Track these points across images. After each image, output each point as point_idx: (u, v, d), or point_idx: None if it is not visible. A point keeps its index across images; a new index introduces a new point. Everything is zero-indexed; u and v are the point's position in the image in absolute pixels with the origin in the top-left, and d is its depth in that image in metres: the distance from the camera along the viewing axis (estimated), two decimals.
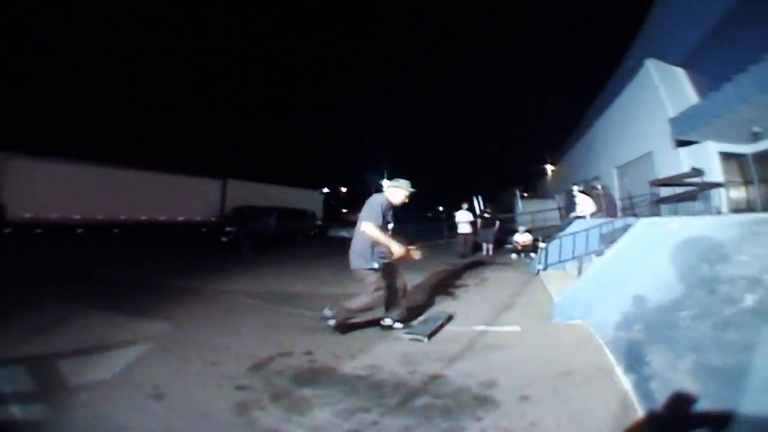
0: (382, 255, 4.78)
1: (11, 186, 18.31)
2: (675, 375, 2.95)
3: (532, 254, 11.58)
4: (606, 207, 11.75)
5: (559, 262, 9.10)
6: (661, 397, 2.78)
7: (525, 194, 27.14)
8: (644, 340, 3.66)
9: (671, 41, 14.19)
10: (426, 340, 4.56)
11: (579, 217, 10.80)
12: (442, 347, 4.29)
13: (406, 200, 5.02)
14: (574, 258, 8.74)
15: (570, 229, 9.80)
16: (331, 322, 4.72)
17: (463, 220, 14.06)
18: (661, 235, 5.18)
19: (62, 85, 42.76)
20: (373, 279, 4.72)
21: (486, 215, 14.94)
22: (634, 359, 3.44)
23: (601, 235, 9.08)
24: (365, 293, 4.74)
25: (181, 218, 23.97)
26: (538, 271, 8.97)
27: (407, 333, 4.75)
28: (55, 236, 18.92)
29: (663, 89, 13.79)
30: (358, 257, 4.78)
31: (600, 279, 5.17)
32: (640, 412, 2.72)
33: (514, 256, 13.05)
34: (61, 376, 3.46)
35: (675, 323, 3.57)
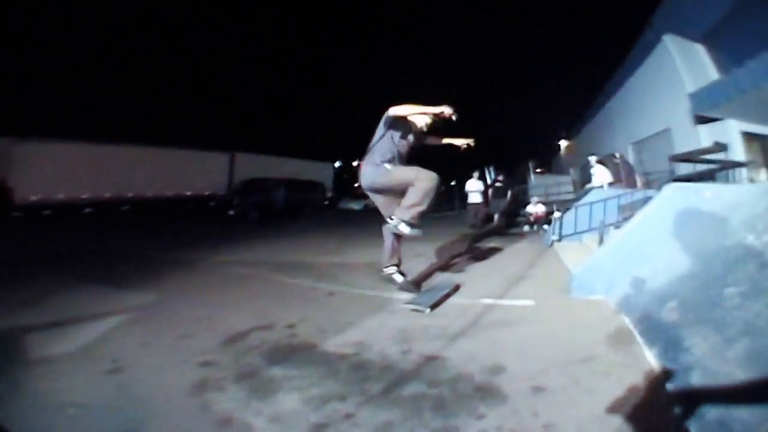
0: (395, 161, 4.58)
1: (18, 170, 18.48)
2: (722, 365, 2.35)
3: (546, 226, 10.95)
4: (625, 177, 11.01)
5: (575, 233, 8.47)
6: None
7: (538, 169, 26.23)
8: (681, 321, 3.05)
9: (690, 17, 13.79)
10: (428, 311, 4.05)
11: (596, 188, 10.14)
12: (444, 322, 3.75)
13: (429, 123, 4.72)
14: (590, 230, 8.15)
15: (586, 200, 9.13)
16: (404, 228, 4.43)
17: (473, 189, 13.42)
18: (694, 201, 4.52)
19: (65, 63, 42.14)
20: (408, 171, 4.47)
21: (498, 184, 14.21)
22: (669, 344, 2.84)
23: (619, 206, 8.50)
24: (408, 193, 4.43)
25: (188, 193, 24.11)
26: (553, 242, 8.35)
27: (408, 303, 4.24)
28: (63, 217, 19.10)
29: (682, 65, 13.28)
30: (370, 172, 4.59)
31: (625, 249, 4.53)
32: (678, 411, 2.14)
33: (526, 227, 12.42)
34: (25, 349, 3.29)
35: (719, 302, 2.96)
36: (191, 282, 5.63)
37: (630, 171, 11.74)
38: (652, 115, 15.29)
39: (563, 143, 33.36)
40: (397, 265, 4.96)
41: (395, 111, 4.35)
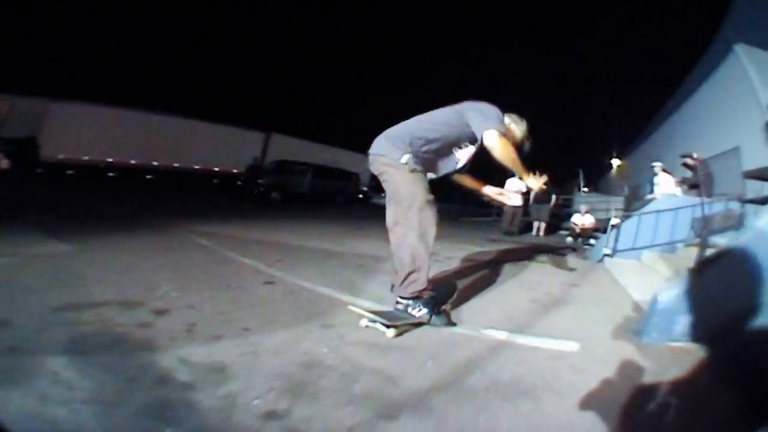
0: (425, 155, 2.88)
1: (48, 129, 18.90)
2: None
3: (592, 240, 8.75)
4: (703, 184, 8.65)
5: (633, 249, 6.32)
6: None
7: (585, 188, 23.65)
8: None
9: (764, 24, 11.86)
10: (390, 333, 2.50)
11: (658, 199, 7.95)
12: (402, 363, 2.12)
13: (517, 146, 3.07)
14: (654, 246, 6.06)
15: (652, 208, 6.94)
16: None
17: (513, 189, 11.28)
18: None
19: (109, 27, 42.51)
20: (412, 193, 2.76)
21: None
22: None
23: (693, 219, 6.34)
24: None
25: (216, 168, 23.42)
26: (604, 257, 6.24)
27: (372, 320, 2.64)
28: (84, 178, 19.46)
29: (756, 77, 11.24)
30: (387, 142, 2.91)
31: (743, 274, 2.55)
32: None
33: (569, 239, 10.23)
34: None
35: None
36: (129, 243, 4.92)
37: (709, 178, 9.29)
38: (718, 133, 12.91)
39: (614, 162, 30.33)
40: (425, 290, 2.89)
41: (493, 142, 2.78)
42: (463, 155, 3.03)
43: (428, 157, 2.89)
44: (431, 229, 2.72)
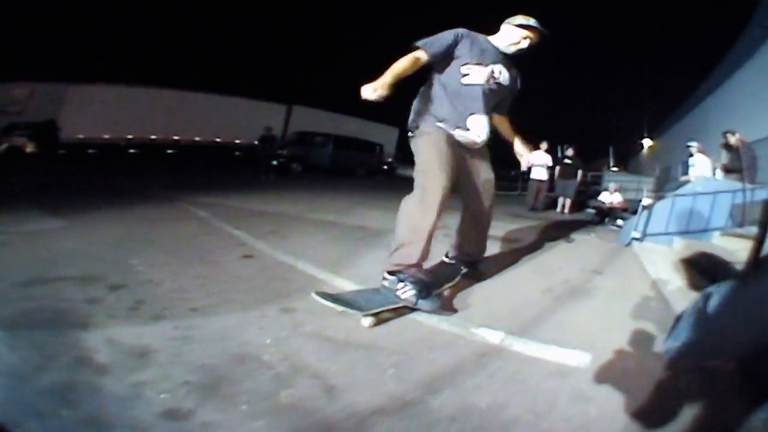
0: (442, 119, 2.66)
1: (68, 110, 19.49)
2: None
3: (620, 221, 8.01)
4: (746, 168, 7.75)
5: (665, 234, 5.63)
6: None
7: (615, 168, 22.46)
8: None
9: None
10: (367, 322, 2.10)
11: (692, 182, 7.15)
12: (359, 372, 1.66)
13: (524, 44, 2.75)
14: (689, 232, 5.38)
15: (688, 190, 6.18)
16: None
17: (538, 163, 10.53)
18: None
19: (124, 7, 42.50)
20: (422, 159, 2.57)
21: (567, 161, 11.09)
22: None
23: (733, 205, 5.58)
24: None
25: (237, 141, 23.38)
26: (632, 241, 5.58)
27: (328, 298, 2.19)
28: (105, 155, 19.73)
29: None
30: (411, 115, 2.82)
31: None
32: None
33: (596, 219, 9.44)
34: None
35: None
36: (124, 216, 4.70)
37: (753, 161, 8.29)
38: (755, 119, 11.81)
39: (646, 143, 28.67)
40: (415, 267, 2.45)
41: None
42: (474, 75, 2.66)
43: (441, 106, 2.66)
44: (436, 198, 2.34)
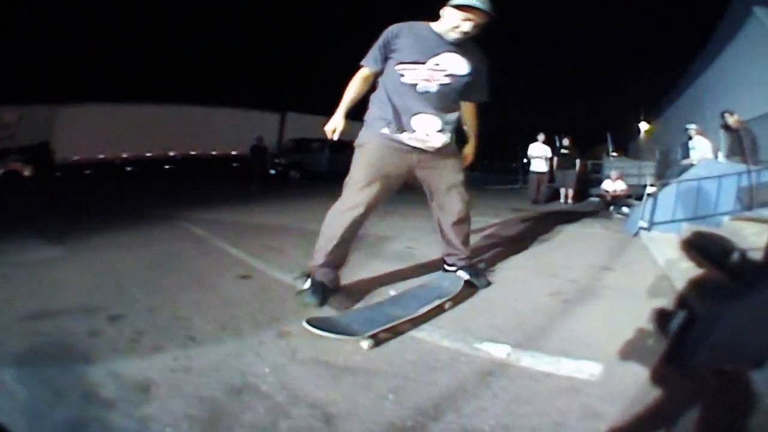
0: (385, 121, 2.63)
1: (60, 133, 19.46)
2: None
3: (625, 208, 7.90)
4: (748, 149, 7.61)
5: (672, 222, 5.53)
6: None
7: (614, 153, 22.32)
8: None
9: None
10: (365, 344, 2.02)
11: (695, 164, 7.06)
12: (358, 398, 1.59)
13: (466, 27, 2.50)
14: (697, 218, 5.28)
15: (692, 174, 6.07)
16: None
17: (537, 155, 10.50)
18: None
19: (116, 25, 42.89)
20: (354, 167, 2.71)
21: (564, 151, 10.99)
22: None
23: (739, 188, 5.49)
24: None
25: (234, 152, 23.31)
26: (639, 231, 5.47)
27: (317, 326, 2.09)
28: (103, 176, 20.14)
29: None
30: None
31: None
32: None
33: (599, 205, 9.37)
34: None
35: None
36: (121, 240, 4.71)
37: (754, 142, 8.16)
38: (749, 96, 11.62)
39: (643, 126, 28.42)
40: (330, 267, 2.68)
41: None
42: (409, 75, 2.55)
43: (384, 110, 2.62)
44: (350, 214, 2.53)
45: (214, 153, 22.83)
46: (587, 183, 12.17)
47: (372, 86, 2.70)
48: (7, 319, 2.42)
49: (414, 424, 1.42)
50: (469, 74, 2.63)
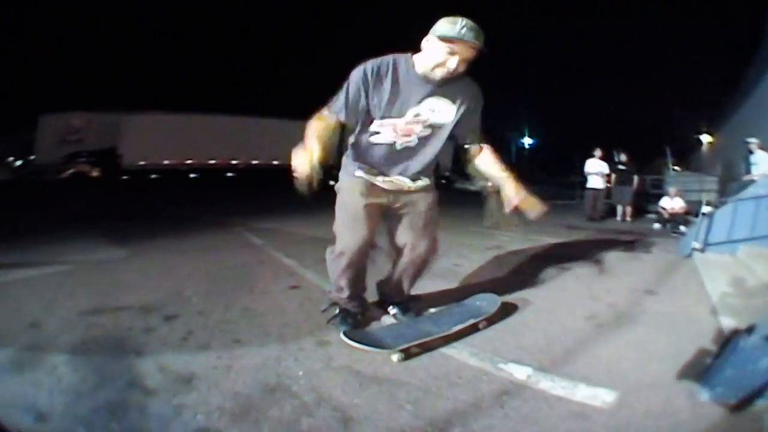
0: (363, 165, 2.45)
1: (127, 139, 20.82)
2: None
3: (683, 227, 7.53)
4: None
5: (729, 242, 5.21)
6: None
7: (676, 168, 21.00)
8: None
9: None
10: (395, 357, 2.14)
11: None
12: (378, 406, 1.72)
13: (452, 64, 2.11)
14: (755, 239, 4.89)
15: (753, 192, 5.68)
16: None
17: (593, 171, 10.19)
18: None
19: (178, 40, 45.36)
20: (336, 211, 2.58)
21: (621, 167, 10.57)
22: None
23: None
24: None
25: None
26: (692, 252, 5.22)
27: (352, 338, 2.25)
28: (168, 181, 21.08)
29: None
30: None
31: None
32: None
33: (657, 225, 8.88)
34: None
35: None
36: (181, 246, 5.14)
37: None
38: None
39: (705, 138, 26.51)
40: (349, 298, 2.64)
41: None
42: (385, 134, 2.28)
43: (358, 156, 2.45)
44: (343, 259, 2.46)
45: (275, 163, 23.69)
46: (646, 199, 11.63)
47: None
48: (68, 311, 2.76)
49: None
50: (457, 121, 2.30)
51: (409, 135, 2.27)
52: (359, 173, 2.38)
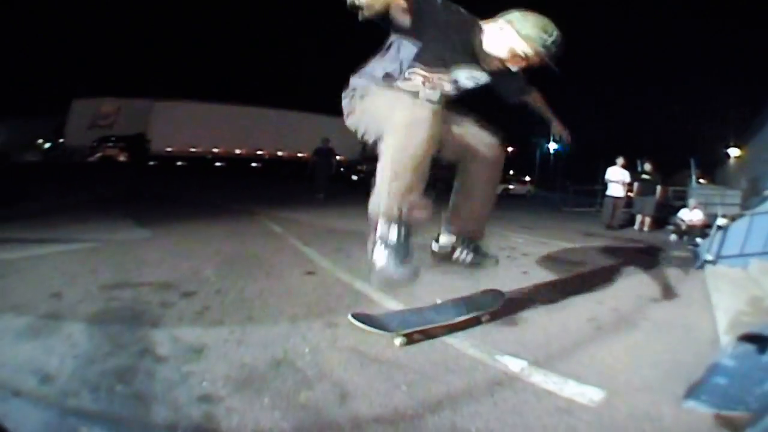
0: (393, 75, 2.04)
1: (156, 125, 21.43)
2: None
3: (699, 239, 7.45)
4: None
5: (741, 255, 5.10)
6: None
7: (701, 180, 20.50)
8: None
9: None
10: (398, 341, 2.21)
11: None
12: (376, 384, 1.81)
13: (513, 66, 2.00)
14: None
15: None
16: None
17: (614, 179, 10.11)
18: None
19: (205, 30, 46.00)
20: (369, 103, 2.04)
21: (645, 177, 10.45)
22: None
23: None
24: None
25: None
26: (704, 263, 5.18)
27: (359, 319, 2.30)
28: (194, 168, 21.55)
29: None
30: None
31: None
32: None
33: (673, 237, 8.78)
34: None
35: None
36: (204, 230, 5.33)
37: None
38: None
39: (732, 152, 25.75)
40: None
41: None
42: (415, 81, 2.03)
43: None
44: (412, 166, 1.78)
45: (300, 155, 23.92)
46: (668, 211, 11.50)
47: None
48: (89, 284, 2.93)
49: (413, 414, 1.62)
50: (489, 81, 2.16)
51: (435, 89, 2.08)
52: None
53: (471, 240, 2.44)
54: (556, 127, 2.63)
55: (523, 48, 1.89)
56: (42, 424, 1.45)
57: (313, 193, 11.44)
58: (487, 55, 1.99)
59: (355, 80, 2.13)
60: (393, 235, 1.81)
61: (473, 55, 2.01)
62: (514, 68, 2.00)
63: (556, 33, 1.89)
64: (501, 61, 1.97)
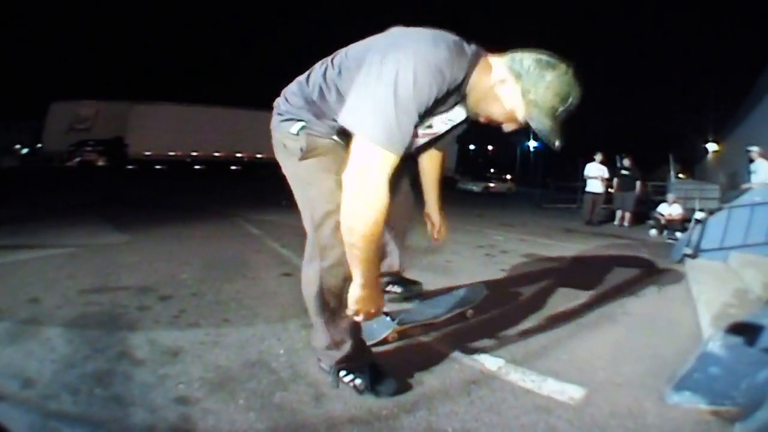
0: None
1: (133, 129, 21.01)
2: None
3: (678, 233, 7.54)
4: None
5: (720, 249, 5.18)
6: None
7: (681, 175, 20.86)
8: None
9: None
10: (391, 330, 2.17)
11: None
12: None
13: (505, 127, 1.49)
14: (746, 246, 4.89)
15: (748, 199, 5.59)
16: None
17: (593, 175, 10.22)
18: None
19: (180, 31, 46.01)
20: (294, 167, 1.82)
21: (625, 172, 10.57)
22: None
23: None
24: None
25: None
26: (684, 257, 5.24)
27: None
28: (173, 172, 21.26)
29: None
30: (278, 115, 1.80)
31: None
32: None
33: (653, 232, 8.89)
34: None
35: None
36: (182, 233, 5.23)
37: None
38: None
39: (711, 147, 26.27)
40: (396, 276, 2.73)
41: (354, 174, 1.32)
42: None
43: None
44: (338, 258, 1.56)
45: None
46: (648, 206, 11.63)
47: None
48: (68, 290, 2.84)
49: (388, 414, 1.57)
50: (461, 123, 1.68)
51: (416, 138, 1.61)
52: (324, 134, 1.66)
53: (395, 274, 2.63)
54: (434, 207, 2.34)
55: (524, 116, 1.38)
56: (26, 427, 1.47)
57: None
58: (473, 103, 1.48)
59: (286, 106, 1.73)
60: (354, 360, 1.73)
61: (455, 100, 1.50)
62: (504, 129, 1.51)
63: (573, 99, 1.39)
64: (490, 120, 1.50)
